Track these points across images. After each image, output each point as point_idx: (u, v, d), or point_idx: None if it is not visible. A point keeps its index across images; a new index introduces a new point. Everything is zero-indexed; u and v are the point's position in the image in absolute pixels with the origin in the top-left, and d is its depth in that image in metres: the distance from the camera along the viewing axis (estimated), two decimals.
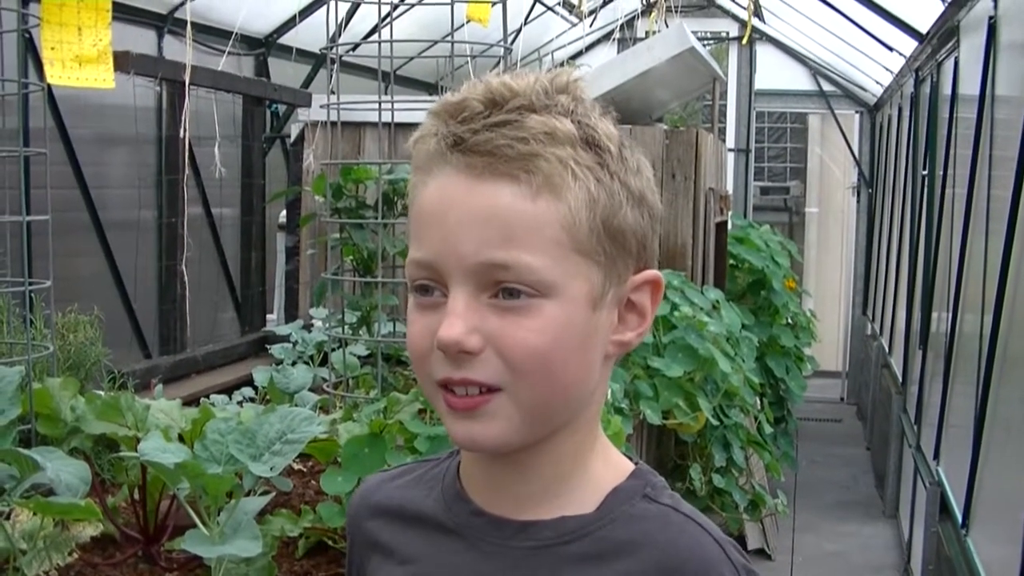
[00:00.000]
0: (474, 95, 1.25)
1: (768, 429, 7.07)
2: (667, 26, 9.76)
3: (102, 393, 3.17)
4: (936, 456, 6.92)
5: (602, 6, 11.70)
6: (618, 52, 11.09)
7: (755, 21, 12.41)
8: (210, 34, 6.74)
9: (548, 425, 1.29)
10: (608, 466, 1.37)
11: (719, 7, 13.33)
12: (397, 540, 1.41)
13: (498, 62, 5.46)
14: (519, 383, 1.24)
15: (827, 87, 13.75)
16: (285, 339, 4.79)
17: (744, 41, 12.61)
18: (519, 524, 1.33)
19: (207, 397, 4.07)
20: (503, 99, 1.25)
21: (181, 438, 2.83)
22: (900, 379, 9.53)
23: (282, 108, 7.51)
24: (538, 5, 10.22)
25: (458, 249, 1.22)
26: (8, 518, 2.69)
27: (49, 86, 3.84)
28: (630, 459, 1.41)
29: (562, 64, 11.39)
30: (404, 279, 4.83)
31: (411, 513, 1.41)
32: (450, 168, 1.24)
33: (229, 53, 6.38)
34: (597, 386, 1.34)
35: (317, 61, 7.90)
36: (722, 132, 11.78)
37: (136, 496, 2.86)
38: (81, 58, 3.31)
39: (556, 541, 1.31)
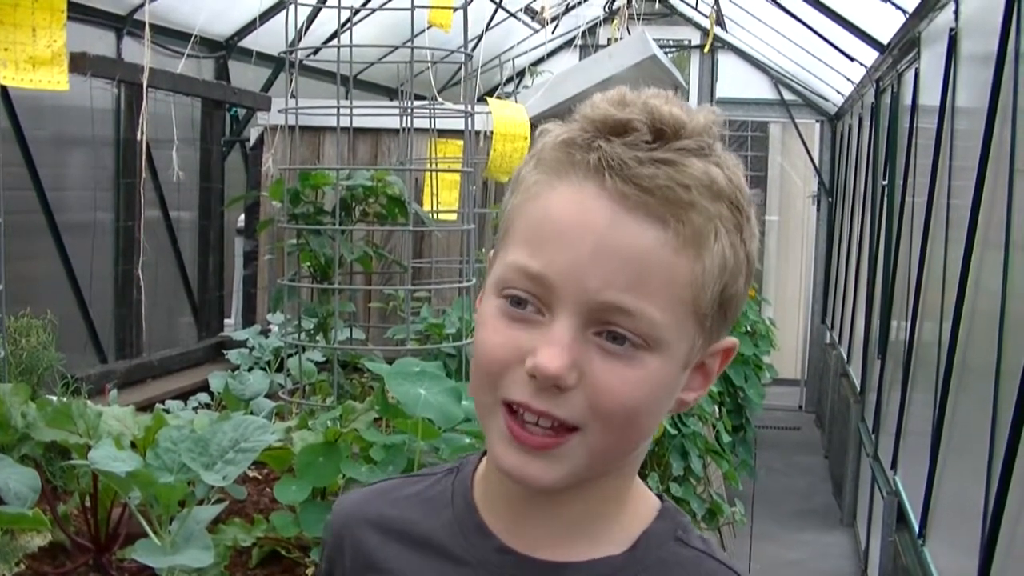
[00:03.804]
0: (639, 118, 1.15)
1: (726, 438, 7.06)
2: (629, 33, 9.77)
3: (54, 399, 3.13)
4: (893, 465, 6.95)
5: (564, 13, 11.70)
6: (580, 59, 11.10)
7: (717, 30, 12.47)
8: (170, 36, 6.69)
9: (605, 469, 1.23)
10: (638, 503, 1.31)
11: (681, 15, 13.37)
12: (400, 565, 1.31)
13: (459, 68, 5.45)
14: (598, 429, 1.16)
15: (788, 96, 13.80)
16: (242, 344, 4.76)
17: (706, 49, 12.67)
18: (549, 565, 1.25)
19: (163, 402, 4.03)
20: (673, 133, 1.15)
21: (134, 445, 2.79)
22: (858, 388, 9.57)
23: (242, 112, 7.47)
24: (500, 11, 10.21)
25: (585, 280, 1.13)
26: None
27: (4, 87, 3.80)
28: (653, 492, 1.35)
29: (523, 71, 11.39)
30: (361, 286, 4.82)
31: (419, 537, 1.31)
32: (598, 188, 1.14)
33: (189, 56, 6.34)
34: None
35: (277, 65, 7.87)
36: None
37: (87, 504, 2.82)
38: (35, 59, 3.26)
39: None
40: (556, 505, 1.25)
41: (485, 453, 1.34)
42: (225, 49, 7.64)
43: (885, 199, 8.54)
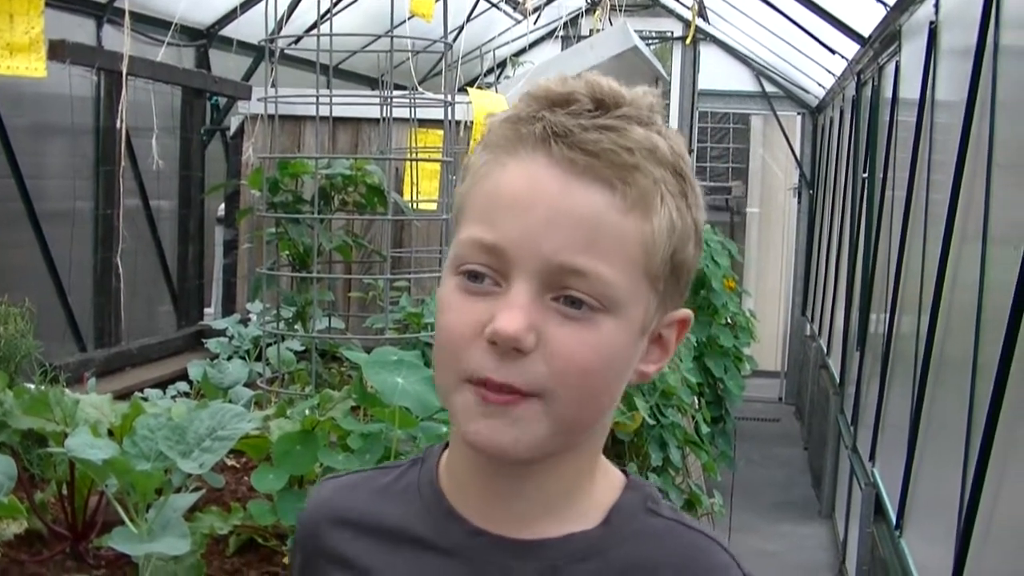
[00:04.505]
0: (580, 90, 1.21)
1: (705, 429, 7.07)
2: (611, 24, 9.77)
3: (32, 387, 3.13)
4: (872, 457, 6.97)
5: (546, 4, 11.68)
6: (561, 50, 11.10)
7: (699, 21, 12.48)
8: (150, 24, 6.67)
9: (570, 440, 1.24)
10: (605, 478, 1.34)
11: (663, 7, 13.36)
12: (373, 560, 1.32)
13: (440, 58, 5.45)
14: (558, 394, 1.18)
15: (770, 88, 13.83)
16: (221, 333, 4.75)
17: (688, 41, 12.67)
18: (525, 544, 1.27)
19: (142, 391, 4.02)
20: (613, 103, 1.21)
21: (111, 433, 2.78)
22: (838, 380, 9.60)
23: (222, 100, 7.44)
24: (482, 1, 10.20)
25: (539, 245, 1.17)
26: None
27: None
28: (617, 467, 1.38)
29: (505, 61, 11.38)
30: (340, 275, 4.82)
31: (391, 529, 1.32)
32: (546, 158, 1.19)
33: (169, 44, 6.32)
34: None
35: (258, 54, 7.85)
36: None
37: (64, 492, 2.82)
38: (12, 46, 3.25)
39: (567, 560, 1.27)
40: (525, 482, 1.27)
41: (447, 445, 1.36)
42: (206, 38, 7.62)
43: (865, 192, 8.56)
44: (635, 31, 7.36)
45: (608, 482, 1.33)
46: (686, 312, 1.30)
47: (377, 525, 1.33)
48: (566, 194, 1.17)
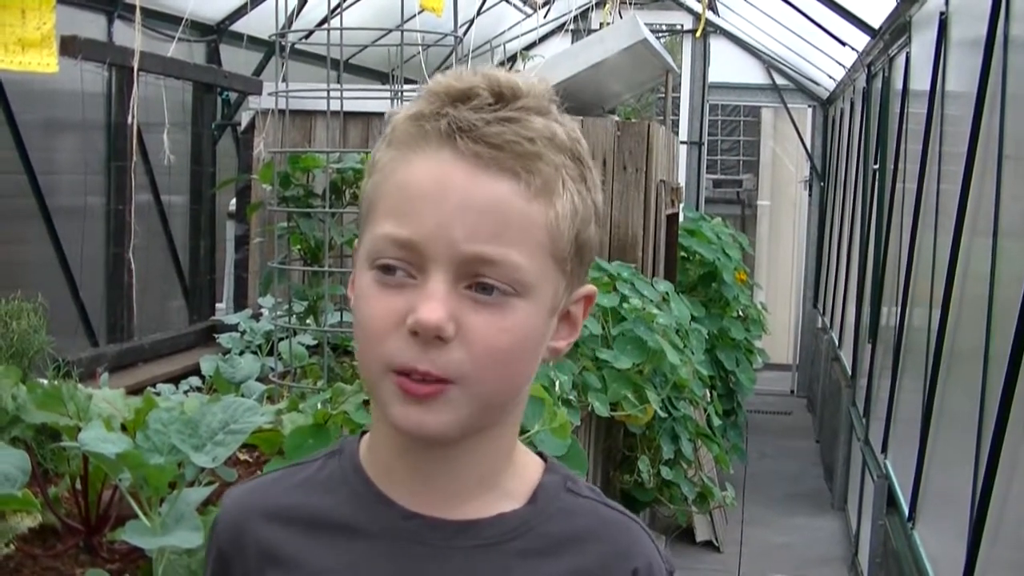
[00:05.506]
0: (480, 84, 1.26)
1: (717, 421, 7.08)
2: (621, 18, 9.76)
3: (45, 382, 3.14)
4: (884, 449, 6.96)
5: None
6: (571, 44, 11.08)
7: (709, 14, 12.44)
8: (161, 20, 6.67)
9: (491, 418, 1.30)
10: (525, 460, 1.40)
11: (673, 0, 13.33)
12: (306, 553, 1.33)
13: (450, 52, 5.45)
14: (477, 377, 1.24)
15: (780, 81, 13.79)
16: (233, 328, 4.76)
17: (698, 34, 12.62)
18: (458, 524, 1.32)
19: (154, 386, 4.02)
20: (512, 96, 1.26)
21: (124, 428, 2.79)
22: (850, 372, 9.57)
23: (233, 95, 7.45)
24: None
25: (451, 235, 1.21)
26: None
27: None
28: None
29: (515, 55, 11.38)
30: (351, 269, 4.82)
31: (320, 519, 1.34)
32: (452, 152, 1.23)
33: (180, 39, 6.32)
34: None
35: (269, 49, 7.85)
36: (675, 124, 11.78)
37: (78, 486, 2.83)
38: (24, 41, 3.26)
39: (499, 539, 1.32)
40: (453, 462, 1.32)
41: (363, 434, 1.41)
42: (216, 33, 7.62)
43: (876, 184, 8.54)
44: (645, 24, 7.36)
45: (528, 463, 1.40)
46: (590, 288, 1.37)
47: (305, 516, 1.35)
48: (474, 186, 1.23)
